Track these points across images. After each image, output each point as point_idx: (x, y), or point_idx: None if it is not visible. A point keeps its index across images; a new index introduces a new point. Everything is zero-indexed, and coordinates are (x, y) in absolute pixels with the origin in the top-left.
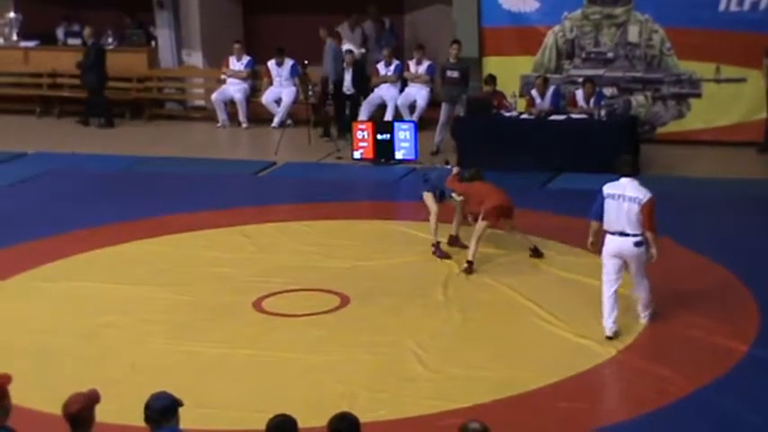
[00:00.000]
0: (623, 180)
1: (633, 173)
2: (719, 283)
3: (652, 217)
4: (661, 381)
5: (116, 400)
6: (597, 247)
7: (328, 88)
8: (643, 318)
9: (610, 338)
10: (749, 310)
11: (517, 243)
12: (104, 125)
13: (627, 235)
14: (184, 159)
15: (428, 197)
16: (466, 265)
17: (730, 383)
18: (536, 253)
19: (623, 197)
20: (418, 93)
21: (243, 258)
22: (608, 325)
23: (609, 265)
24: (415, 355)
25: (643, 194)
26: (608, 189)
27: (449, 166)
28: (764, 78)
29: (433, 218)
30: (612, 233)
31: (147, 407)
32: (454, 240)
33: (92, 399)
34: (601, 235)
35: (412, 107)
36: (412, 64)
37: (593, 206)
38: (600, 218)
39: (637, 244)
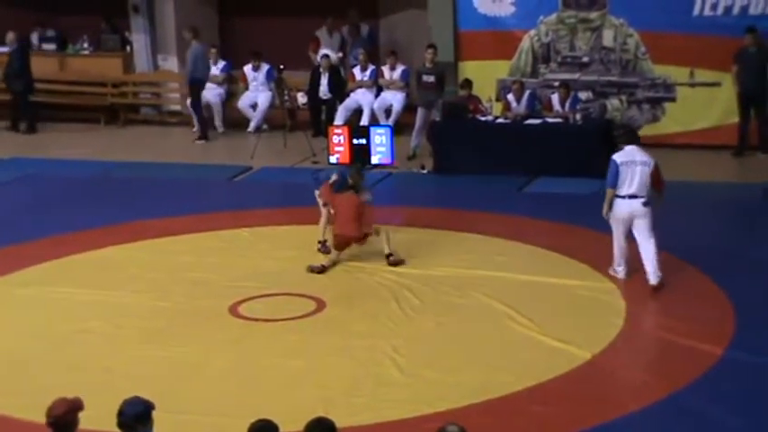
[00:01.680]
0: (629, 148)
1: (637, 140)
2: (695, 285)
3: (661, 176)
4: (637, 384)
5: (92, 406)
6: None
7: (199, 89)
8: (653, 279)
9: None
10: (725, 312)
11: (489, 248)
12: (26, 131)
13: (636, 197)
14: (160, 164)
15: (319, 197)
16: (319, 266)
17: (706, 386)
18: (390, 260)
19: (635, 162)
20: (394, 97)
21: (219, 263)
22: (620, 271)
23: (620, 227)
24: (392, 359)
25: (650, 158)
26: (620, 158)
27: (424, 171)
28: (735, 84)
29: (323, 218)
30: (623, 197)
31: (121, 413)
32: (322, 246)
33: (75, 405)
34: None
35: (388, 111)
36: (386, 69)
37: (608, 176)
38: (615, 186)
39: (645, 204)
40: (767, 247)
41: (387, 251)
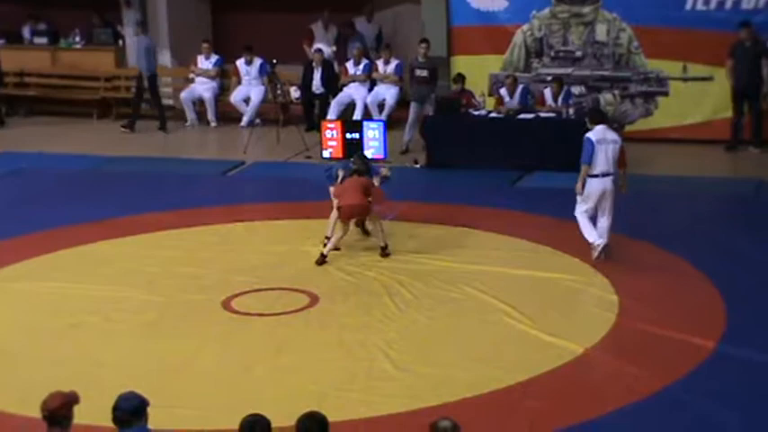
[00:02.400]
0: (599, 127)
1: (606, 119)
2: (687, 280)
3: (626, 154)
4: (629, 378)
5: (84, 400)
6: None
7: (142, 84)
8: (599, 244)
9: (603, 247)
10: (716, 307)
11: (482, 243)
12: None
13: (608, 174)
14: (152, 159)
15: (333, 192)
16: (319, 257)
17: (698, 380)
18: (384, 252)
19: (607, 141)
20: (387, 91)
21: (212, 258)
22: (595, 238)
23: (590, 203)
24: (385, 353)
25: (617, 137)
26: (594, 136)
27: (417, 165)
28: (729, 78)
29: (333, 212)
30: (596, 175)
31: (116, 407)
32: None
33: (70, 399)
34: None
35: (381, 106)
36: (380, 63)
37: (584, 154)
38: (590, 163)
39: (614, 181)
40: (759, 241)
41: (381, 243)
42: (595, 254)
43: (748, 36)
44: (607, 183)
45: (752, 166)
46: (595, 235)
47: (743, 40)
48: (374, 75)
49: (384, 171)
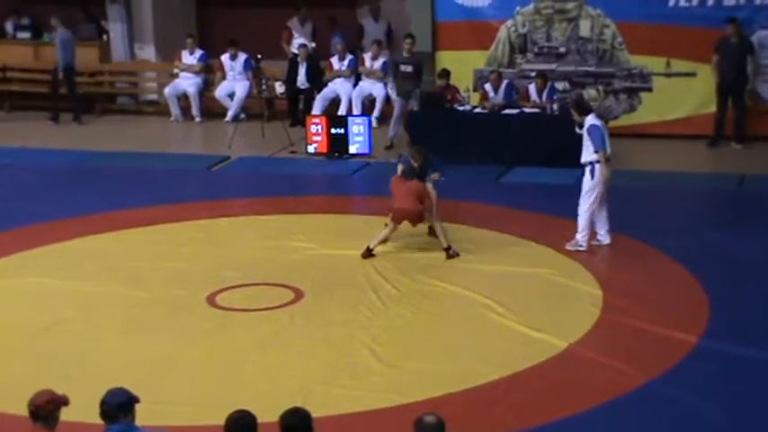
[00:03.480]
0: (590, 116)
1: (591, 109)
2: (670, 275)
3: None
4: (613, 373)
5: (70, 396)
6: None
7: (58, 76)
8: (609, 239)
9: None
10: (699, 301)
11: (466, 238)
12: None
13: (609, 160)
14: (137, 154)
15: (428, 186)
16: (365, 251)
17: (681, 374)
18: (448, 253)
19: (605, 128)
20: (374, 87)
21: (196, 253)
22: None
23: (600, 192)
24: (370, 349)
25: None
26: (597, 121)
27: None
28: (714, 74)
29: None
30: (608, 160)
31: (104, 402)
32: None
33: (58, 399)
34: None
35: (365, 101)
36: (367, 58)
37: (596, 140)
38: (604, 147)
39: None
40: (741, 236)
41: (444, 244)
42: (583, 247)
43: (734, 32)
44: (609, 168)
45: (734, 161)
46: (586, 238)
47: (729, 36)
48: (360, 69)
49: (435, 177)
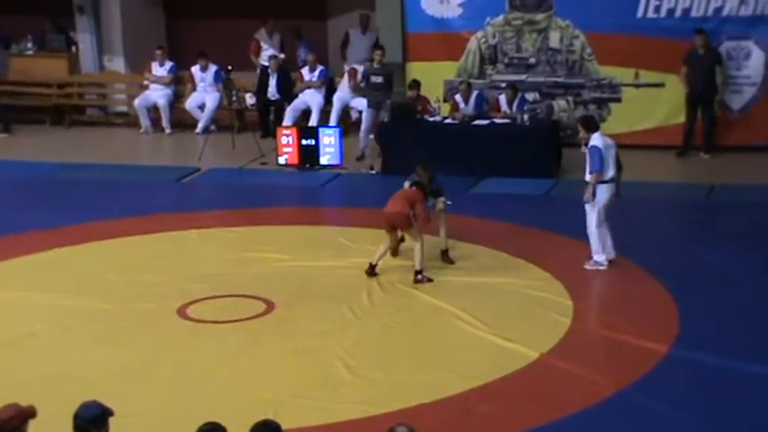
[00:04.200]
0: (597, 134)
1: (598, 126)
2: (640, 284)
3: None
4: (584, 383)
5: (39, 410)
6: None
7: None
8: (615, 254)
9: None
10: (669, 311)
11: (437, 249)
12: None
13: (614, 181)
14: (107, 166)
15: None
16: (368, 268)
17: (652, 383)
18: (417, 277)
19: (608, 146)
20: (313, 98)
21: (167, 265)
22: (604, 258)
23: (601, 213)
24: (341, 360)
25: (612, 141)
26: (600, 142)
27: (373, 171)
28: (683, 85)
29: (443, 226)
30: (606, 181)
31: (77, 416)
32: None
33: (25, 412)
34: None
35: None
36: (305, 72)
37: (593, 162)
38: (602, 170)
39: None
40: (710, 246)
41: (417, 267)
42: (603, 265)
43: (702, 44)
44: (613, 189)
45: (703, 171)
46: (604, 257)
47: (697, 47)
48: (298, 85)
49: (441, 203)
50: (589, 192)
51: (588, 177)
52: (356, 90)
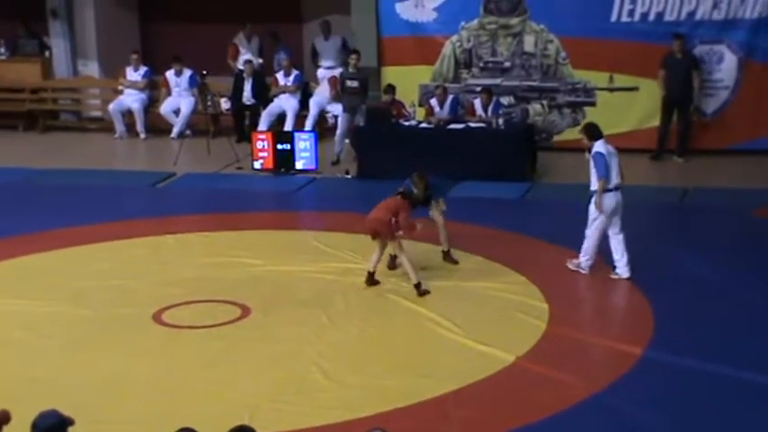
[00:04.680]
0: (600, 141)
1: (602, 134)
2: (615, 288)
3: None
4: (560, 386)
5: (14, 416)
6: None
7: None
8: (628, 272)
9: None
10: (644, 313)
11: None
12: None
13: (619, 188)
14: (81, 171)
15: (434, 214)
16: (367, 277)
17: (627, 386)
18: (420, 290)
19: (612, 153)
20: (287, 103)
21: (142, 270)
22: (624, 268)
23: (604, 221)
24: (317, 365)
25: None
26: (604, 149)
27: (348, 176)
28: (661, 88)
29: (442, 230)
30: (611, 189)
31: (34, 426)
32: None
33: (1, 418)
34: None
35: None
36: (280, 77)
37: (599, 168)
38: (607, 176)
39: (622, 193)
40: (684, 249)
41: (414, 281)
42: (584, 269)
43: (679, 48)
44: (619, 196)
45: (677, 174)
46: (590, 263)
47: (674, 51)
48: (273, 89)
49: (440, 209)
50: (599, 200)
51: (594, 186)
52: (338, 98)
